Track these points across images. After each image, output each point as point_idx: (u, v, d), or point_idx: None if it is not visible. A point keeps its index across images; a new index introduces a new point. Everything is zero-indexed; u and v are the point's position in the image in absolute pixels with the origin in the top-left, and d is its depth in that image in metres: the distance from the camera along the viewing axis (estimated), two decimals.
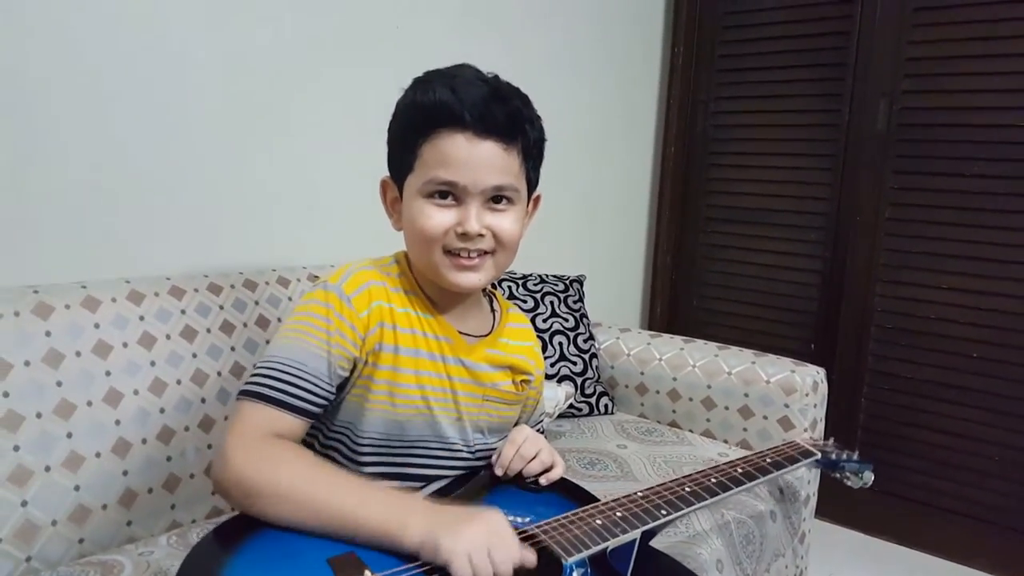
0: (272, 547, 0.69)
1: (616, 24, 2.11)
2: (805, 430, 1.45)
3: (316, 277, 1.32)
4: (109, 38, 1.16)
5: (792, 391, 1.45)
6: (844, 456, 1.16)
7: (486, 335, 0.92)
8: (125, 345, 1.06)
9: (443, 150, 0.80)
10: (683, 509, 0.89)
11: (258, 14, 1.33)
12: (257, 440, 0.74)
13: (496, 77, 0.84)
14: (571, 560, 0.74)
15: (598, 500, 0.87)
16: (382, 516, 0.70)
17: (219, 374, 1.14)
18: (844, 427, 1.99)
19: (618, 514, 0.83)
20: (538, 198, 0.93)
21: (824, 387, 1.50)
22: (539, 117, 0.87)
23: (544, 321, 1.59)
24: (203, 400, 1.12)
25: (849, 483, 1.15)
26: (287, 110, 1.40)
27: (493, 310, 0.97)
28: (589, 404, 1.60)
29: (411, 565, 0.69)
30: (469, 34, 1.70)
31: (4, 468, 0.93)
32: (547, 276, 1.69)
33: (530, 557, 0.72)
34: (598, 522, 0.81)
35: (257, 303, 1.22)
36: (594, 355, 1.65)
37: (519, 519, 0.81)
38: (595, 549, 0.77)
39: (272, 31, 1.36)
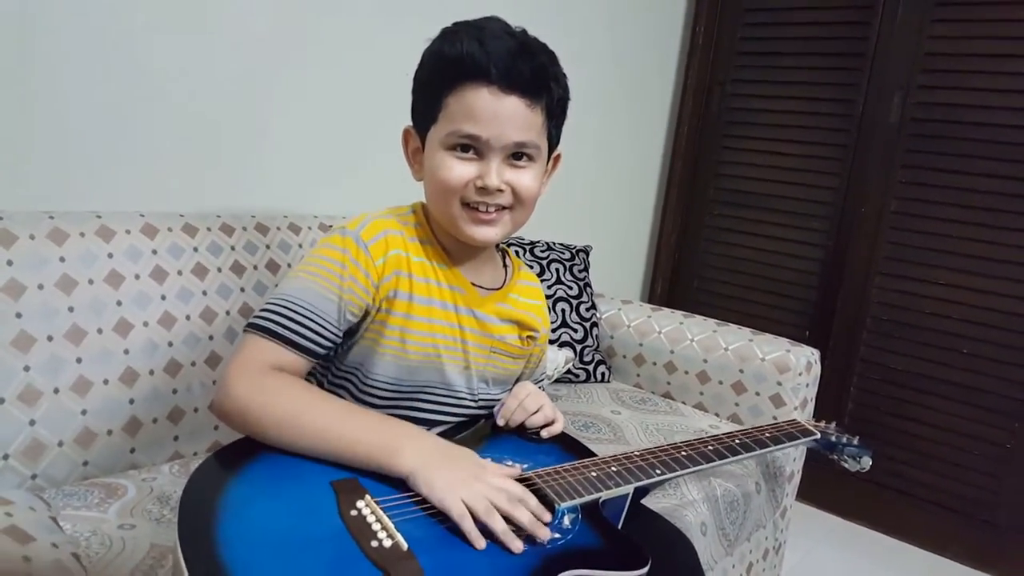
0: (276, 469, 0.71)
1: (639, 1, 2.10)
2: (795, 408, 1.48)
3: (329, 226, 1.33)
4: None
5: (786, 370, 1.48)
6: (844, 440, 1.18)
7: (497, 289, 0.94)
8: (137, 277, 1.07)
9: (468, 103, 0.80)
10: (677, 471, 0.92)
11: None
12: (258, 371, 0.77)
13: (524, 32, 0.84)
14: (564, 505, 0.76)
15: (595, 455, 0.90)
16: (375, 441, 0.73)
17: (227, 313, 1.16)
18: (833, 413, 2.02)
19: (613, 469, 0.86)
20: (558, 157, 0.93)
21: (817, 368, 1.52)
22: (565, 75, 0.87)
23: (549, 288, 1.61)
24: (211, 337, 1.14)
25: (846, 466, 1.17)
26: (307, 60, 1.40)
27: (505, 266, 0.99)
28: (587, 371, 1.63)
29: (410, 492, 0.72)
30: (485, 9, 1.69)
31: (14, 387, 0.95)
32: (554, 244, 1.70)
33: (523, 496, 0.74)
34: (593, 474, 0.83)
35: (268, 247, 1.24)
36: (595, 324, 1.67)
37: (517, 464, 0.83)
38: (588, 498, 0.79)
39: None
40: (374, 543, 0.63)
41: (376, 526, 0.65)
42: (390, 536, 0.64)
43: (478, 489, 0.71)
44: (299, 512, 0.66)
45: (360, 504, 0.68)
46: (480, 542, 0.68)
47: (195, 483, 0.67)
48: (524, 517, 0.71)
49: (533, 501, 0.74)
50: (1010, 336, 1.79)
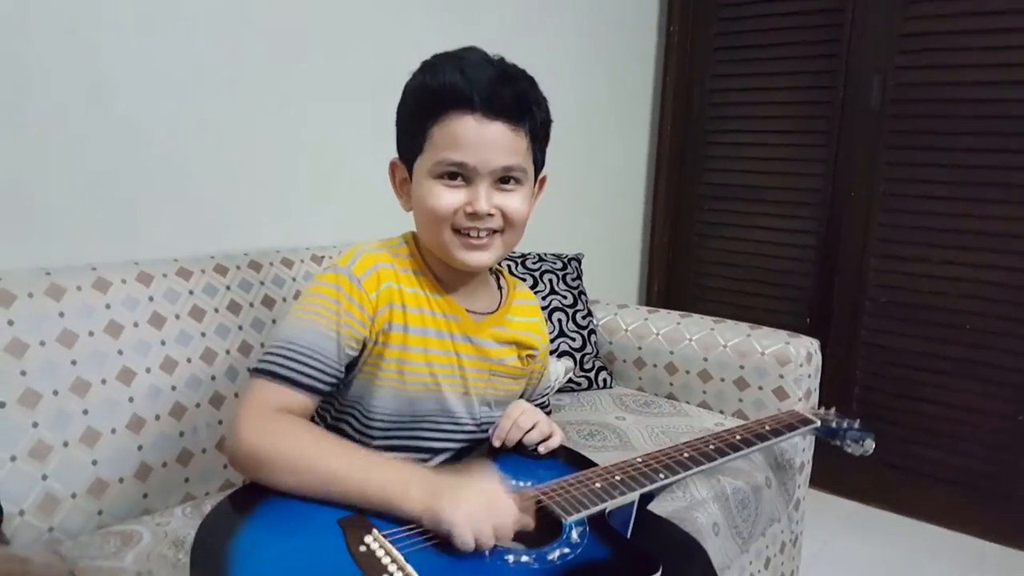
0: (284, 511, 0.72)
1: (612, 4, 2.12)
2: (800, 400, 1.48)
3: (320, 258, 1.35)
4: (113, 23, 1.18)
5: (787, 362, 1.48)
6: (845, 424, 1.18)
7: (493, 312, 0.95)
8: (136, 325, 1.09)
9: (453, 132, 0.82)
10: (681, 473, 0.92)
11: None
12: (266, 414, 0.78)
13: (502, 59, 0.86)
14: (570, 519, 0.77)
15: (596, 465, 0.91)
16: (384, 484, 0.73)
17: (227, 352, 1.17)
18: (840, 399, 2.01)
19: (617, 478, 0.87)
20: (544, 179, 0.94)
21: (818, 358, 1.53)
22: (545, 99, 0.89)
23: (543, 299, 1.62)
24: (213, 377, 1.15)
25: (850, 450, 1.17)
26: (293, 95, 1.42)
27: (500, 287, 1.00)
28: (588, 378, 1.64)
29: (414, 524, 0.73)
30: (464, 14, 1.71)
31: (25, 444, 0.96)
32: (545, 255, 1.71)
33: (528, 521, 0.76)
34: (597, 485, 0.84)
35: (262, 283, 1.25)
36: (592, 331, 1.68)
37: (520, 483, 0.84)
38: (594, 509, 0.80)
39: (278, 15, 1.37)
40: None
41: (386, 559, 0.67)
42: (400, 568, 0.65)
43: (485, 526, 0.71)
44: (309, 553, 0.68)
45: (368, 539, 0.69)
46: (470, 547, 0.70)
47: (205, 530, 0.69)
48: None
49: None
50: (1010, 308, 1.79)
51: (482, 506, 0.72)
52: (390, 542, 0.69)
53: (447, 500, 0.71)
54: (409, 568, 0.65)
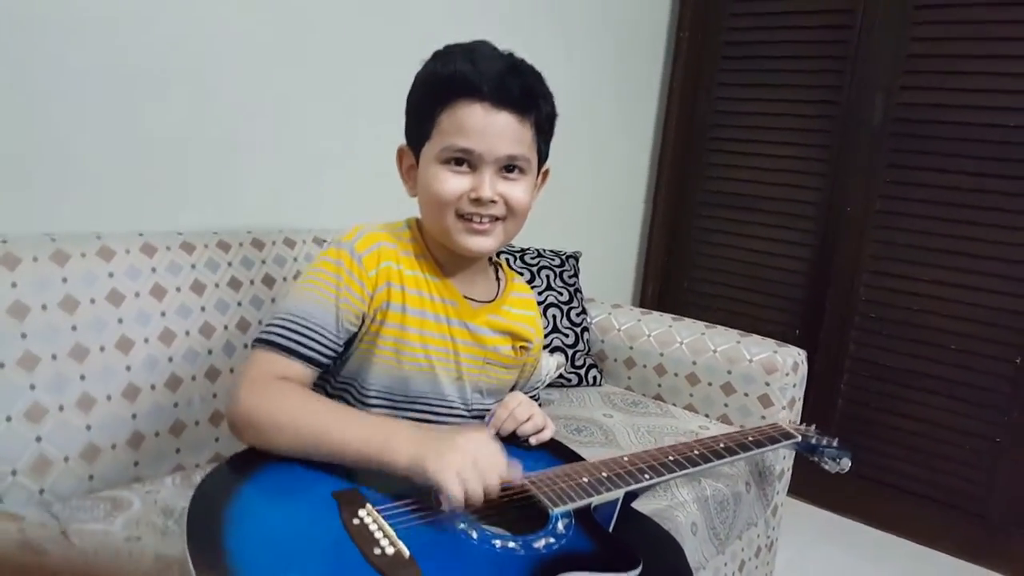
0: (281, 478, 0.74)
1: (622, 6, 2.13)
2: (783, 408, 1.51)
3: (322, 241, 1.36)
4: None
5: (773, 370, 1.51)
6: (824, 442, 1.21)
7: (490, 301, 0.97)
8: (137, 295, 1.10)
9: (461, 119, 0.84)
10: (665, 475, 0.95)
11: None
12: (264, 380, 0.80)
13: (512, 53, 0.89)
14: (557, 511, 0.79)
15: (584, 460, 0.93)
16: (370, 439, 0.76)
17: (226, 328, 1.19)
18: (823, 410, 2.05)
19: (604, 474, 0.89)
20: (547, 172, 0.97)
21: (804, 368, 1.56)
22: (551, 94, 0.91)
23: (539, 294, 1.64)
24: (210, 351, 1.16)
25: (826, 467, 1.20)
26: (302, 77, 1.43)
27: (498, 278, 1.02)
28: (578, 375, 1.66)
29: (408, 501, 0.75)
30: (476, 9, 1.72)
31: (21, 405, 0.97)
32: (544, 251, 1.73)
33: (516, 471, 0.78)
34: (584, 479, 0.86)
35: (264, 262, 1.26)
36: (586, 329, 1.70)
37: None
38: (580, 503, 0.82)
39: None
40: (377, 551, 0.66)
41: (378, 534, 0.68)
42: (392, 544, 0.67)
43: (472, 478, 0.73)
44: (303, 521, 0.69)
45: (362, 513, 0.71)
46: (460, 503, 0.72)
47: (202, 493, 0.70)
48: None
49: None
50: (996, 331, 1.82)
51: (469, 458, 0.73)
52: (383, 517, 0.71)
53: (433, 452, 0.73)
54: (400, 544, 0.67)
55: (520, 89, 0.85)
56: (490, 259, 1.01)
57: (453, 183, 0.86)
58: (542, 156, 0.93)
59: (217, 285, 1.19)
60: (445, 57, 0.87)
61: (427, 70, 0.89)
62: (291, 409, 0.78)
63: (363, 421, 0.80)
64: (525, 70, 0.88)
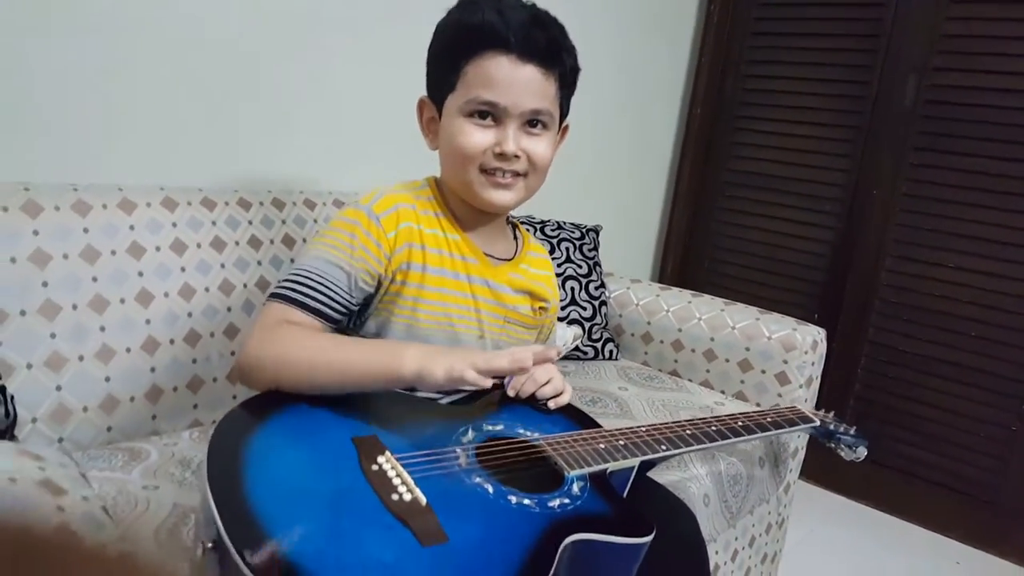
0: (298, 423, 0.75)
1: None
2: (801, 386, 1.50)
3: (341, 203, 1.35)
4: None
5: (792, 348, 1.49)
6: (842, 429, 1.20)
7: (509, 259, 0.96)
8: (158, 249, 1.10)
9: (487, 71, 0.83)
10: (681, 448, 0.94)
11: None
12: (272, 326, 0.81)
13: (535, 4, 0.87)
14: (573, 473, 0.79)
15: (602, 427, 0.92)
16: (380, 357, 0.77)
17: (245, 285, 1.19)
18: (839, 394, 2.04)
19: (620, 442, 0.88)
20: (567, 127, 0.96)
21: (823, 347, 1.54)
22: (575, 48, 0.90)
23: (559, 266, 1.63)
24: (229, 309, 1.17)
25: (842, 454, 1.19)
26: (323, 38, 1.41)
27: (515, 238, 1.01)
28: (595, 348, 1.65)
29: (427, 451, 0.75)
30: None
31: (41, 353, 0.98)
32: (564, 223, 1.72)
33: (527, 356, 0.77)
34: (601, 446, 0.86)
35: (284, 222, 1.26)
36: (604, 303, 1.69)
37: (528, 432, 0.86)
38: (596, 468, 0.81)
39: None
40: (395, 496, 0.66)
41: (396, 480, 0.68)
42: (410, 491, 0.67)
43: (476, 355, 0.76)
44: (322, 465, 0.70)
45: (381, 460, 0.71)
46: (487, 382, 0.75)
47: (222, 430, 0.70)
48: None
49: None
50: (1018, 319, 1.80)
51: (479, 351, 0.77)
52: (402, 465, 0.71)
53: (439, 355, 0.75)
54: (418, 491, 0.67)
55: (546, 42, 0.85)
56: (507, 218, 1.00)
57: (478, 137, 0.85)
58: (564, 111, 0.93)
59: (237, 243, 1.19)
60: (471, 5, 0.86)
61: (452, 18, 0.87)
62: (299, 343, 0.79)
63: (369, 343, 0.83)
64: (549, 22, 0.87)
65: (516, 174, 0.87)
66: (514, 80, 0.83)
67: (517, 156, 0.85)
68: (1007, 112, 1.78)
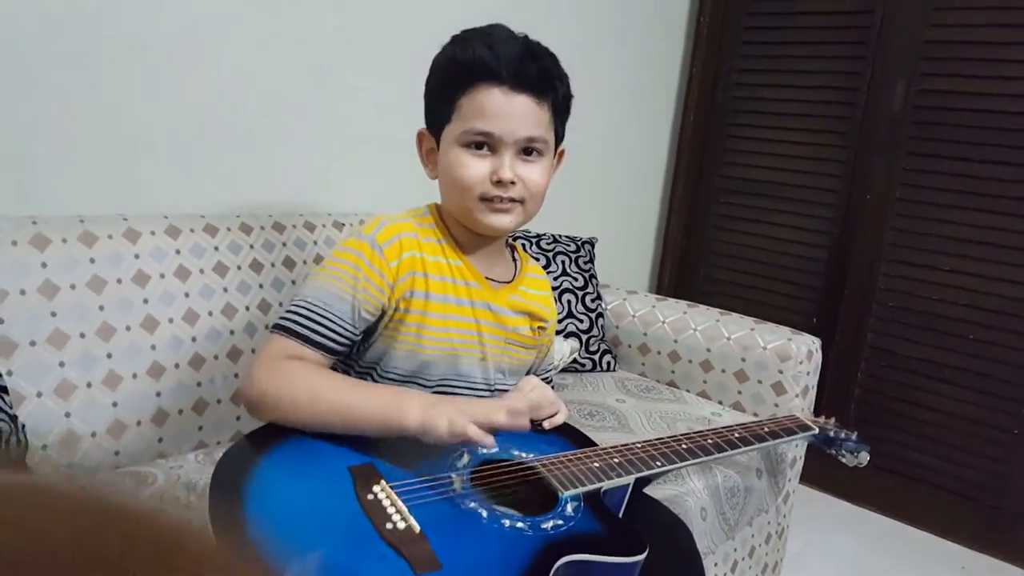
0: (298, 454, 0.77)
1: None
2: (797, 396, 1.51)
3: (342, 225, 1.38)
4: None
5: (787, 358, 1.51)
6: (843, 435, 1.21)
7: (509, 282, 0.99)
8: (162, 276, 1.13)
9: (480, 102, 0.86)
10: (677, 463, 0.96)
11: None
12: (278, 361, 0.83)
13: (527, 37, 0.90)
14: (566, 494, 0.81)
15: (597, 445, 0.94)
16: (383, 407, 0.80)
17: (247, 308, 1.21)
18: (839, 399, 2.05)
19: (615, 460, 0.90)
20: (562, 153, 0.99)
21: (818, 356, 1.56)
22: (567, 76, 0.93)
23: (555, 279, 1.65)
24: (232, 332, 1.19)
25: (844, 460, 1.20)
26: (324, 63, 1.44)
27: (514, 260, 1.04)
28: (592, 360, 1.67)
29: (422, 478, 0.77)
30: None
31: (51, 382, 1.01)
32: (560, 236, 1.74)
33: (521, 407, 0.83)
34: (595, 464, 0.88)
35: (285, 245, 1.29)
36: (600, 314, 1.71)
37: (523, 454, 0.88)
38: (590, 487, 0.83)
39: None
40: (389, 525, 0.69)
41: (391, 509, 0.71)
42: (404, 519, 0.70)
43: (487, 409, 0.80)
44: (319, 494, 0.72)
45: (376, 488, 0.73)
46: (489, 439, 0.78)
47: (225, 465, 0.73)
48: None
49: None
50: (1015, 322, 1.81)
51: (478, 404, 0.79)
52: (396, 494, 0.73)
53: (444, 410, 0.78)
54: (412, 520, 0.70)
55: (537, 72, 0.87)
56: (506, 241, 1.02)
57: (475, 167, 0.88)
58: (559, 137, 0.95)
59: (239, 267, 1.22)
60: (463, 42, 0.89)
61: (445, 55, 0.90)
62: (304, 383, 0.81)
63: (375, 390, 0.84)
64: (541, 53, 0.89)
65: (513, 200, 0.90)
66: (507, 110, 0.86)
67: (513, 182, 0.88)
68: (995, 116, 1.80)
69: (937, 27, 1.86)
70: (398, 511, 0.71)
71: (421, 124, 0.96)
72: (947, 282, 1.90)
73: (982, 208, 1.83)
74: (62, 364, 1.02)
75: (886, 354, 2.01)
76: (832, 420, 1.26)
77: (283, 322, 0.86)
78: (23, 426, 0.95)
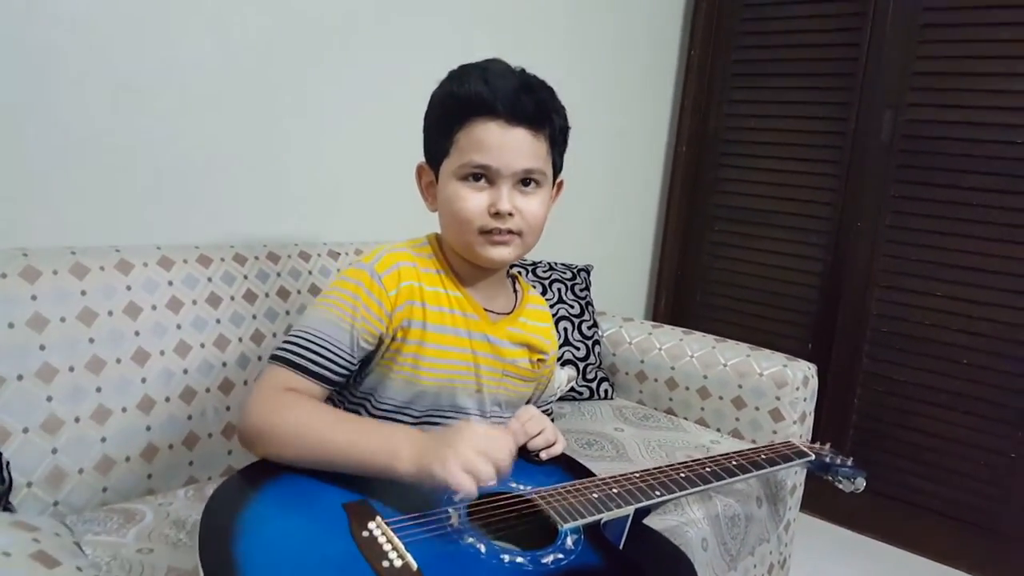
0: (291, 491, 0.75)
1: (635, 24, 2.15)
2: (795, 422, 1.50)
3: (337, 254, 1.37)
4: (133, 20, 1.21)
5: (784, 384, 1.50)
6: (839, 461, 1.21)
7: (509, 313, 0.98)
8: (154, 308, 1.11)
9: (478, 136, 0.86)
10: (676, 492, 0.94)
11: None
12: (274, 394, 0.82)
13: (523, 70, 0.91)
14: (566, 527, 0.79)
15: (595, 475, 0.93)
16: (375, 453, 0.77)
17: (240, 340, 1.20)
18: (836, 425, 2.04)
19: (614, 490, 0.89)
20: (561, 183, 0.99)
21: (815, 382, 1.55)
22: (563, 107, 0.93)
23: (551, 307, 1.64)
24: (224, 364, 1.18)
25: (840, 486, 1.20)
26: (317, 94, 1.45)
27: (515, 291, 1.03)
28: (590, 388, 1.66)
29: (418, 514, 0.75)
30: (488, 26, 1.74)
31: (38, 417, 0.99)
32: (556, 264, 1.74)
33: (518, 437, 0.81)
34: (595, 495, 0.86)
35: (279, 275, 1.28)
36: (597, 342, 1.71)
37: (520, 485, 0.86)
38: (590, 519, 0.82)
39: (299, 10, 1.40)
40: (385, 563, 0.67)
41: (387, 547, 0.69)
42: (400, 557, 0.68)
43: (479, 465, 0.74)
44: (313, 533, 0.70)
45: (371, 525, 0.71)
46: (473, 490, 0.73)
47: (216, 501, 0.71)
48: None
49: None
50: (1008, 345, 1.81)
51: (471, 450, 0.74)
52: (392, 530, 0.71)
53: (436, 456, 0.74)
54: (409, 557, 0.68)
55: (534, 105, 0.87)
56: (507, 272, 1.02)
57: (474, 201, 0.88)
58: (556, 168, 0.95)
59: (232, 298, 1.21)
60: (460, 77, 0.89)
61: (443, 91, 0.91)
62: (298, 421, 0.79)
63: (368, 433, 0.80)
64: (537, 86, 0.90)
65: (511, 232, 0.90)
66: (504, 143, 0.86)
67: (511, 214, 0.88)
68: (983, 144, 1.82)
69: (923, 59, 1.89)
70: (394, 548, 0.69)
71: (418, 154, 0.96)
72: (940, 307, 1.91)
73: (971, 234, 1.85)
74: (50, 399, 1.00)
75: (882, 379, 2.01)
76: (828, 446, 1.25)
77: (281, 352, 0.85)
78: (7, 463, 0.93)
